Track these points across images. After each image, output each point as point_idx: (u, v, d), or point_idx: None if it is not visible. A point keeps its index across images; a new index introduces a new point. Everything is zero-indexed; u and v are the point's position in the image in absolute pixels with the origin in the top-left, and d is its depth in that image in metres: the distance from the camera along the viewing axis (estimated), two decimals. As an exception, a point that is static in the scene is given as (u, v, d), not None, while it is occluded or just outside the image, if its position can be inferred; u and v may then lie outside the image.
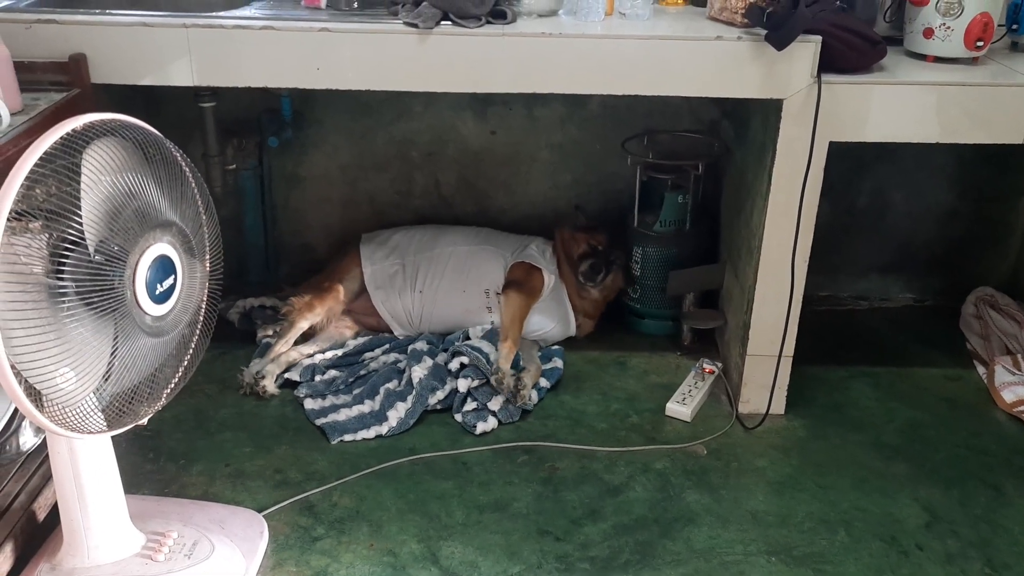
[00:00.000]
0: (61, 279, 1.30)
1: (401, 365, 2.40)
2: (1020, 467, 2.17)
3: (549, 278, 2.56)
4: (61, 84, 1.91)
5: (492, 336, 2.45)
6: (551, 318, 2.57)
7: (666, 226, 2.58)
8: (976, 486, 2.10)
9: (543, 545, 1.89)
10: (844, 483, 2.10)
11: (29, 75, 1.86)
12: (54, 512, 1.70)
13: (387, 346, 2.52)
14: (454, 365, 2.33)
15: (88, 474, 1.59)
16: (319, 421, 2.23)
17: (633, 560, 1.86)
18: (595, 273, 2.55)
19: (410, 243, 2.62)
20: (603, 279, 2.58)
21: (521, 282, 2.52)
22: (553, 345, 2.58)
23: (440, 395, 2.29)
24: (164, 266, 1.45)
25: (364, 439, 2.19)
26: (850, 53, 2.00)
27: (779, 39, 1.92)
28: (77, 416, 1.38)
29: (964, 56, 2.09)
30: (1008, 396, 2.39)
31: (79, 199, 1.31)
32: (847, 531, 1.95)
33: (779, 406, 2.31)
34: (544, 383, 2.40)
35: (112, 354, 1.40)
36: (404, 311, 2.56)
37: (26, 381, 1.29)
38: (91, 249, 1.33)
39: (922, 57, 2.13)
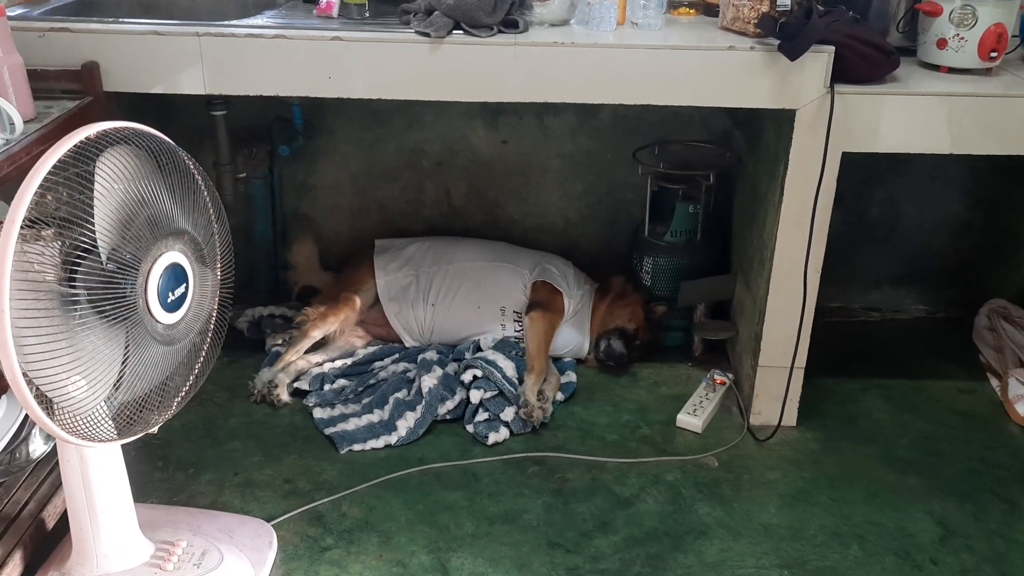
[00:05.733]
0: (73, 287, 1.30)
1: (411, 374, 2.40)
2: (1034, 481, 2.15)
3: (569, 303, 2.54)
4: (74, 92, 1.92)
5: (503, 346, 2.44)
6: (567, 342, 2.56)
7: (677, 236, 2.57)
8: (990, 500, 2.08)
9: (553, 557, 1.88)
10: (857, 496, 2.08)
11: (42, 83, 1.87)
12: (63, 520, 1.69)
13: (397, 355, 2.51)
14: (467, 377, 2.33)
15: (98, 482, 1.58)
16: (328, 430, 2.22)
17: (644, 573, 1.85)
18: (610, 358, 2.51)
19: (424, 255, 2.61)
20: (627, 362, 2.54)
21: (546, 304, 2.51)
22: (564, 359, 2.57)
23: (450, 405, 2.29)
24: (176, 274, 1.45)
25: (373, 449, 2.19)
26: (863, 63, 1.99)
27: (792, 49, 1.91)
28: (88, 424, 1.38)
29: (978, 67, 2.08)
30: (1022, 409, 2.37)
31: (92, 207, 1.31)
32: (860, 545, 1.94)
33: (791, 418, 2.29)
34: (559, 396, 2.39)
35: (123, 362, 1.40)
36: (416, 323, 2.55)
37: (37, 388, 1.29)
38: (103, 257, 1.33)
39: (935, 68, 2.12)
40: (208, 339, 1.63)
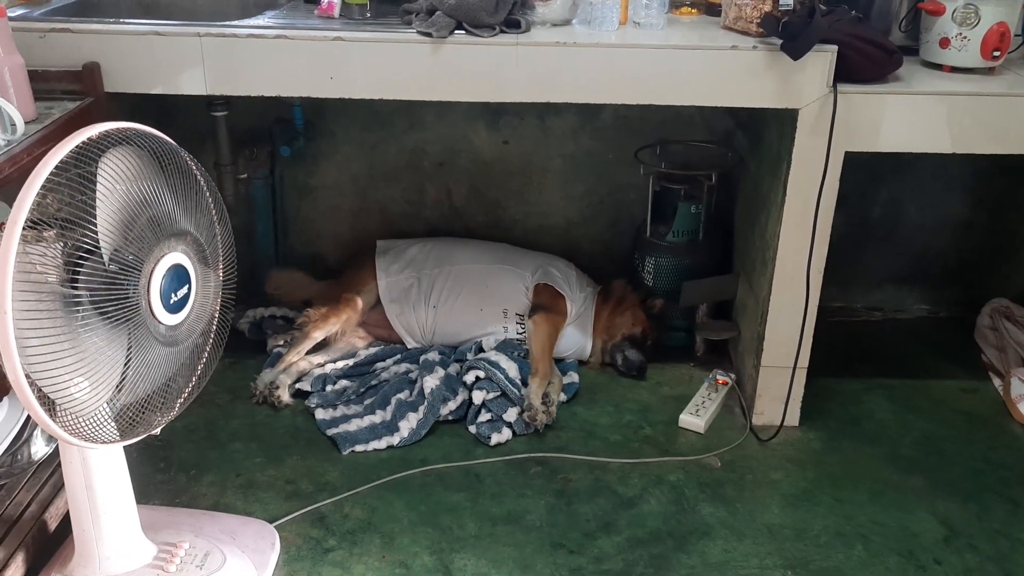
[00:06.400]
0: (76, 288, 1.30)
1: (412, 375, 2.39)
2: (1038, 481, 2.15)
3: (571, 306, 2.54)
4: (75, 93, 1.91)
5: (506, 347, 2.44)
6: (570, 344, 2.55)
7: (679, 236, 2.57)
8: (994, 500, 2.08)
9: (556, 558, 1.87)
10: (860, 496, 2.08)
11: (43, 84, 1.87)
12: (65, 522, 1.69)
13: (398, 356, 2.51)
14: (469, 378, 2.32)
15: (100, 484, 1.58)
16: (330, 431, 2.22)
17: (647, 574, 1.84)
18: (631, 369, 2.51)
19: (426, 257, 2.60)
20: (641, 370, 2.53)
21: (548, 307, 2.50)
22: (567, 360, 2.57)
23: (452, 406, 2.28)
24: (178, 275, 1.44)
25: (375, 450, 2.18)
26: (866, 63, 1.99)
27: (795, 49, 1.91)
28: (90, 426, 1.37)
29: (980, 66, 2.07)
30: (1025, 408, 2.37)
31: (94, 208, 1.31)
32: (864, 545, 1.93)
33: (793, 418, 2.29)
34: (562, 397, 2.39)
35: (126, 364, 1.39)
36: (418, 325, 2.54)
37: (40, 390, 1.29)
38: (106, 258, 1.33)
39: (938, 67, 2.12)
40: (210, 340, 1.63)
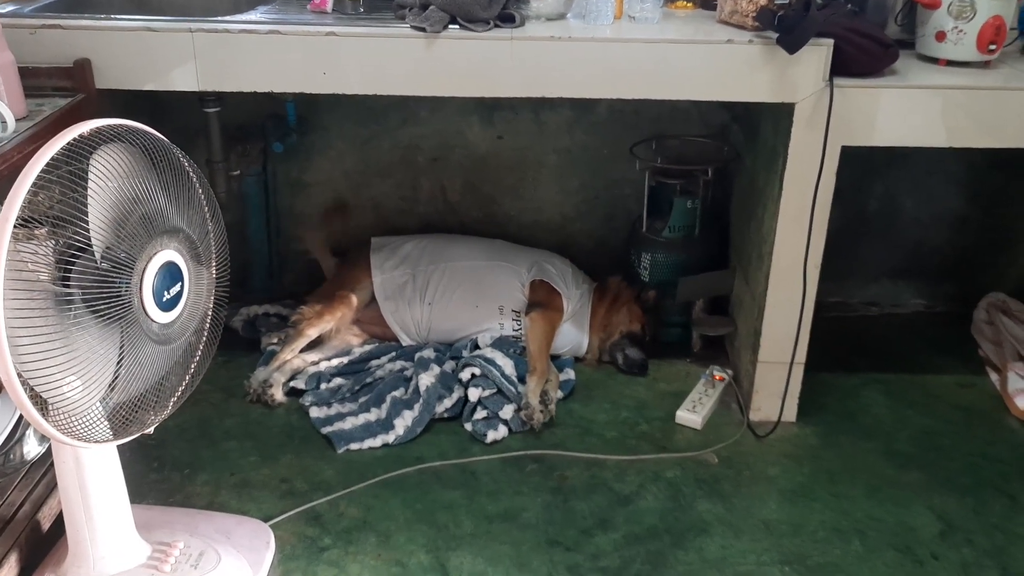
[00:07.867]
0: (68, 286, 1.28)
1: (408, 373, 2.38)
2: (1035, 475, 2.15)
3: (567, 303, 2.53)
4: (66, 89, 1.90)
5: (502, 344, 2.43)
6: (566, 340, 2.55)
7: (675, 232, 2.56)
8: (991, 494, 2.08)
9: (553, 555, 1.87)
10: (857, 492, 2.07)
11: (34, 80, 1.85)
12: (59, 522, 1.68)
13: (393, 354, 2.50)
14: (465, 375, 2.31)
15: (94, 484, 1.57)
16: (325, 430, 2.21)
17: (644, 571, 1.84)
18: (633, 367, 2.51)
19: (421, 253, 2.59)
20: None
21: (545, 304, 2.49)
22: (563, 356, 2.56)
23: (447, 403, 2.27)
24: (171, 273, 1.43)
25: (371, 448, 2.17)
26: (862, 56, 1.98)
27: (791, 42, 1.90)
28: (83, 425, 1.36)
29: (976, 60, 2.07)
30: (1021, 403, 2.36)
31: (86, 205, 1.30)
32: (861, 540, 1.93)
33: (791, 414, 2.29)
34: (559, 394, 2.38)
35: (118, 362, 1.38)
36: (413, 322, 2.53)
37: (32, 389, 1.27)
38: (98, 256, 1.32)
39: (934, 61, 2.11)
40: (204, 338, 1.61)
